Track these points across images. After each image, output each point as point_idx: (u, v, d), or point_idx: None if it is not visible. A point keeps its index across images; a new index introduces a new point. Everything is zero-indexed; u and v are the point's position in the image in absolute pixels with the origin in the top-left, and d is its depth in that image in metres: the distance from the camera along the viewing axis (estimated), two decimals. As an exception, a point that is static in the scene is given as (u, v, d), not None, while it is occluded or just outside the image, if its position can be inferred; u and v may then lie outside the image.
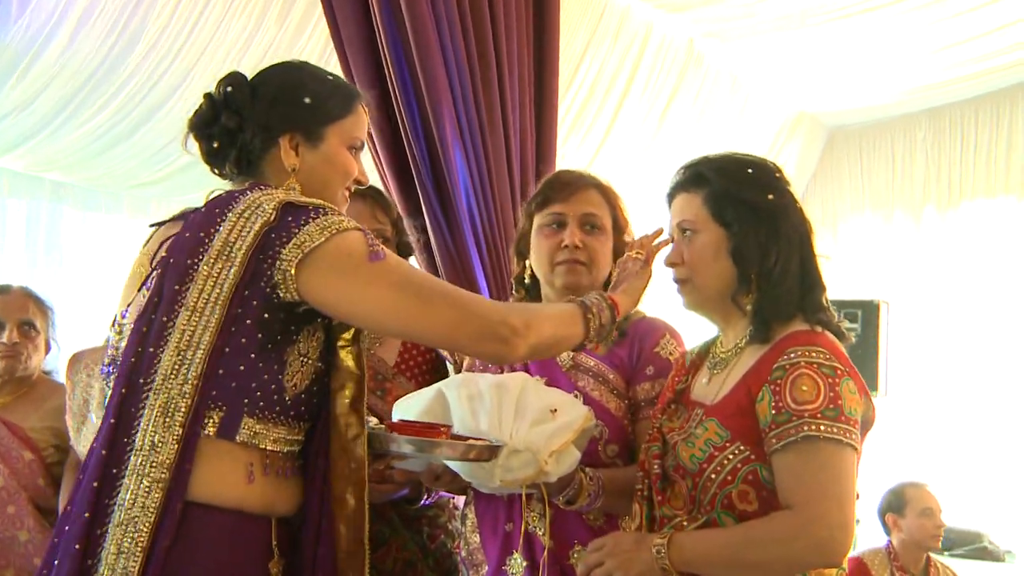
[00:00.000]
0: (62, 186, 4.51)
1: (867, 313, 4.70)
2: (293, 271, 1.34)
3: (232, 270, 1.34)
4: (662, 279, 1.68)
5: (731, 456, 1.47)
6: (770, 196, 1.54)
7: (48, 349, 2.50)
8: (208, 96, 1.49)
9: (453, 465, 1.66)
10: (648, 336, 1.86)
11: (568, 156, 4.62)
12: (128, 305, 1.44)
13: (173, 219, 1.50)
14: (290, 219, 1.36)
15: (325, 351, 1.44)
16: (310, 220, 1.35)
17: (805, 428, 1.41)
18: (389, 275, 1.37)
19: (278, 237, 1.35)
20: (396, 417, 1.72)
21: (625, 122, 4.96)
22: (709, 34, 4.87)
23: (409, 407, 1.73)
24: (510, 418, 1.62)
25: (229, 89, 1.47)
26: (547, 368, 1.87)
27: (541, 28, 2.93)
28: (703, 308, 1.62)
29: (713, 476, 1.48)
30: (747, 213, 1.53)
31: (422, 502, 1.98)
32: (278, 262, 1.34)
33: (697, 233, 1.57)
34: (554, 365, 1.87)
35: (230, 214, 1.37)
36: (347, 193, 1.54)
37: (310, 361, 1.41)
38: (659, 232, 1.70)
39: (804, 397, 1.42)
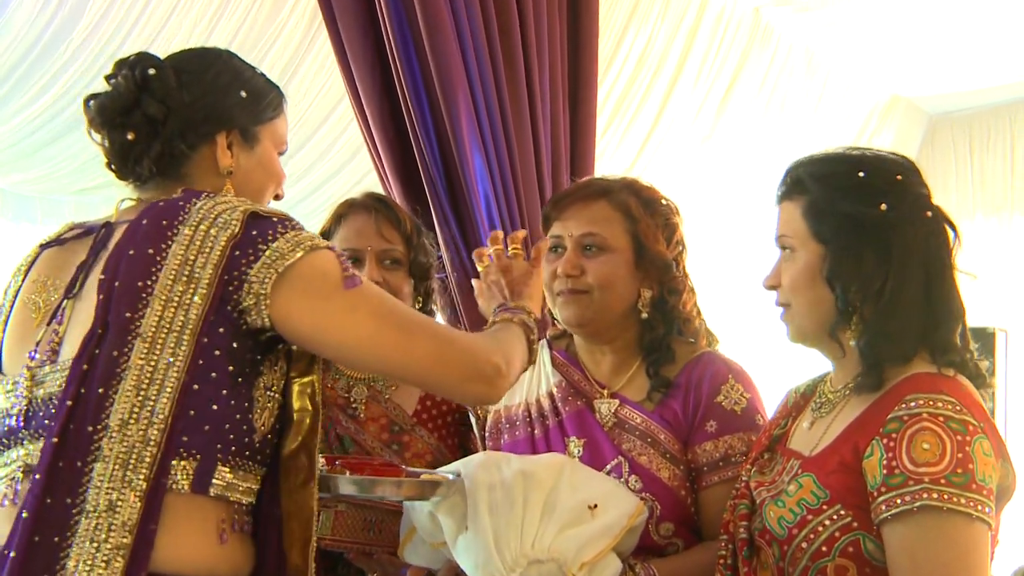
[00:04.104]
0: (-11, 192, 4.56)
1: (980, 344, 4.64)
2: (268, 292, 1.39)
3: (198, 293, 1.37)
4: (767, 305, 1.69)
5: (828, 522, 1.47)
6: (883, 206, 1.53)
7: None
8: (123, 78, 1.51)
9: (463, 562, 1.66)
10: (706, 382, 1.84)
11: (607, 153, 4.62)
12: (36, 344, 1.45)
13: (73, 237, 1.53)
14: (255, 232, 1.41)
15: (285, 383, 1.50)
16: (278, 235, 1.41)
17: (925, 495, 1.40)
18: (369, 303, 1.45)
19: (244, 254, 1.40)
20: None
21: (677, 110, 4.96)
22: (779, 2, 4.87)
23: None
24: (535, 518, 1.63)
25: (151, 72, 1.50)
26: (585, 427, 1.87)
27: (576, -2, 2.94)
28: (807, 341, 1.63)
29: (804, 545, 1.48)
30: (848, 228, 1.53)
31: None
32: (246, 284, 1.39)
33: (795, 251, 1.59)
34: (593, 424, 1.87)
35: (182, 227, 1.40)
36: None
37: (274, 395, 1.47)
38: (523, 231, 1.84)
39: (925, 457, 1.41)
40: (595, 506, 1.65)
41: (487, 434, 2.00)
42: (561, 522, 1.63)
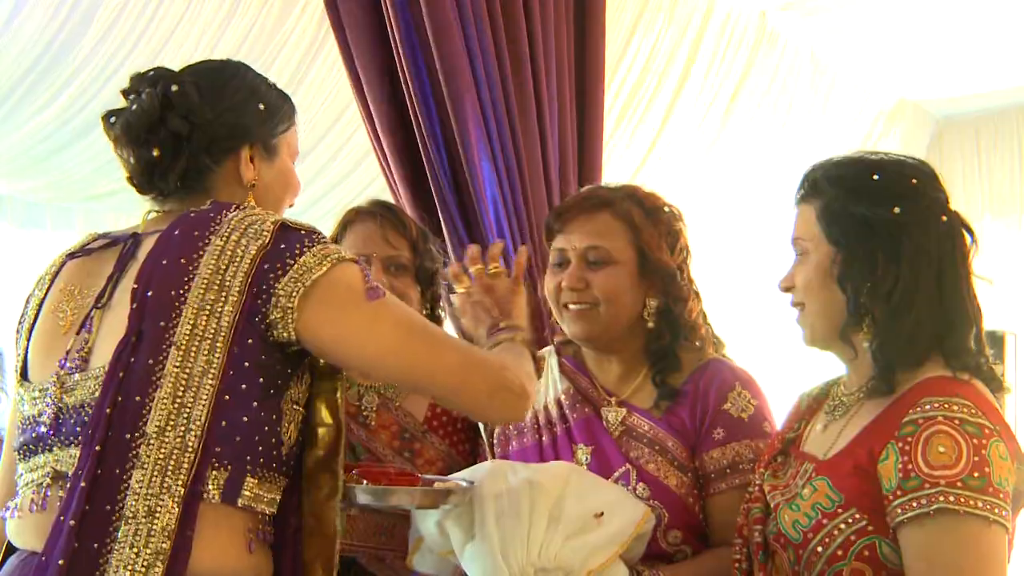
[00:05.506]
0: (-1, 198, 4.58)
1: (990, 347, 4.64)
2: (295, 306, 1.40)
3: (229, 301, 1.40)
4: (774, 310, 1.70)
5: (843, 525, 1.48)
6: (896, 209, 1.53)
7: None
8: (146, 95, 1.53)
9: (470, 571, 1.66)
10: (713, 390, 1.84)
11: (613, 157, 4.62)
12: (66, 352, 1.46)
13: (99, 247, 1.54)
14: (283, 246, 1.43)
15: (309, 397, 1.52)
16: (304, 249, 1.43)
17: (941, 499, 1.40)
18: (392, 314, 1.48)
19: (272, 268, 1.42)
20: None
21: (683, 114, 4.97)
22: (785, 6, 4.87)
23: None
24: (542, 526, 1.63)
25: (173, 88, 1.52)
26: (593, 435, 1.87)
27: (583, 2, 2.94)
28: (820, 343, 1.63)
29: (820, 549, 1.48)
30: (860, 230, 1.54)
31: None
32: (274, 297, 1.41)
33: (808, 253, 1.60)
34: (601, 431, 1.87)
35: (213, 238, 1.42)
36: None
37: (300, 408, 1.48)
38: (499, 244, 1.83)
39: (941, 460, 1.42)
40: (601, 514, 1.66)
41: (495, 441, 2.00)
42: (567, 531, 1.64)
